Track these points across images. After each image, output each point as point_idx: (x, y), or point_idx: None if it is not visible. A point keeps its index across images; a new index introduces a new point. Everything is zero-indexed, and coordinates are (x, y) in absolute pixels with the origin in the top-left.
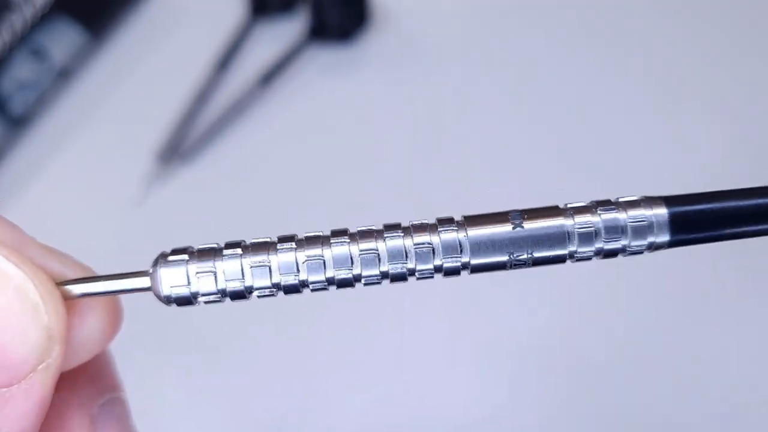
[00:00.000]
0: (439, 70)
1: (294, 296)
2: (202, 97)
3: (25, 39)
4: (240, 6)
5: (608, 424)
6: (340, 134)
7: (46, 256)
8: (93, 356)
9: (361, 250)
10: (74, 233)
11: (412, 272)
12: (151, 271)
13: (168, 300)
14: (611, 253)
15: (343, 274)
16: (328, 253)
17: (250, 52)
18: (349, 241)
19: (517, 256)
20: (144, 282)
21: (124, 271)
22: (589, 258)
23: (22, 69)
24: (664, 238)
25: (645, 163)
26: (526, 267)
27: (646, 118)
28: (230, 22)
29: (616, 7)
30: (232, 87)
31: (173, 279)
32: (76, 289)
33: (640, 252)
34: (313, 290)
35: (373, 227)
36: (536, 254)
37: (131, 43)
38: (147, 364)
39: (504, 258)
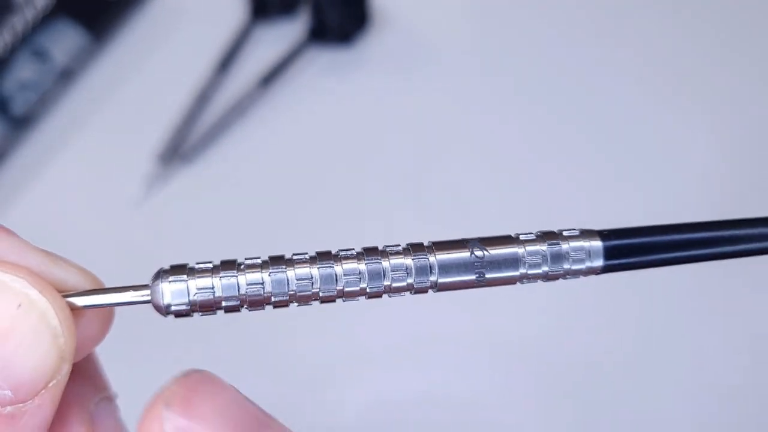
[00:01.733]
0: (439, 72)
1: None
2: (203, 98)
3: (26, 40)
4: (240, 7)
5: (606, 424)
6: (340, 135)
7: (48, 264)
8: (86, 355)
9: (344, 270)
10: (75, 233)
11: (388, 289)
12: (151, 284)
13: (167, 312)
14: (554, 277)
15: (327, 291)
16: (315, 272)
17: (251, 54)
18: (333, 263)
19: (478, 277)
20: (144, 295)
21: (125, 280)
22: (536, 280)
23: (24, 70)
24: (599, 264)
25: (645, 164)
26: (481, 287)
27: (648, 117)
28: (231, 24)
29: (616, 7)
30: (232, 88)
31: (174, 293)
32: (80, 301)
33: (577, 276)
34: (299, 305)
35: (354, 250)
36: (491, 276)
37: (132, 44)
38: (144, 363)
39: (471, 277)
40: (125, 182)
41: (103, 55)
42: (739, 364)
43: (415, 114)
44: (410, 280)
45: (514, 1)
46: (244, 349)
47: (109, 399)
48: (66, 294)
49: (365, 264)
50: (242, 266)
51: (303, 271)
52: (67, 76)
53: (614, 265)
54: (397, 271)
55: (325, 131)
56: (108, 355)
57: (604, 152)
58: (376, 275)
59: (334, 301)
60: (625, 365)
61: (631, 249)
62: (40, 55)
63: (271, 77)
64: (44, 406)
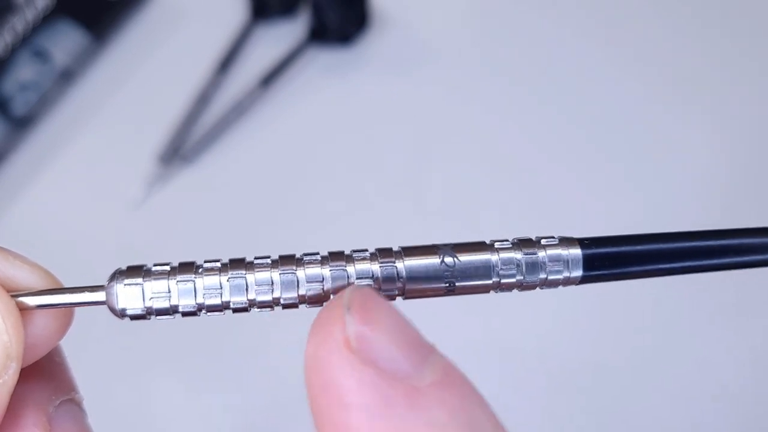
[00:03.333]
0: (438, 72)
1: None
2: (203, 98)
3: (27, 41)
4: (241, 8)
5: (602, 425)
6: (340, 135)
7: (13, 264)
8: (44, 354)
9: (307, 276)
10: (75, 234)
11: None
12: (107, 286)
13: (122, 314)
14: (530, 286)
15: (288, 299)
16: (276, 276)
17: (251, 54)
18: (295, 269)
19: (447, 284)
20: (100, 296)
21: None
22: (510, 289)
23: (25, 70)
24: (578, 273)
25: (645, 165)
26: (454, 294)
27: (648, 117)
28: (231, 25)
29: (616, 6)
30: (232, 88)
31: (128, 296)
32: (32, 301)
33: (555, 285)
34: (260, 311)
35: (320, 254)
36: (462, 284)
37: (133, 45)
38: (140, 365)
39: (441, 285)
40: (125, 182)
41: (103, 55)
42: (743, 368)
43: (415, 114)
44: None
45: (513, 2)
46: (246, 350)
47: (72, 401)
48: (16, 294)
49: (329, 270)
50: (200, 269)
51: (263, 276)
52: (67, 76)
53: (594, 275)
54: (363, 278)
55: (324, 131)
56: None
57: (604, 153)
58: (340, 280)
59: (296, 307)
60: (634, 369)
61: (613, 258)
62: (41, 56)
63: (271, 77)
64: None
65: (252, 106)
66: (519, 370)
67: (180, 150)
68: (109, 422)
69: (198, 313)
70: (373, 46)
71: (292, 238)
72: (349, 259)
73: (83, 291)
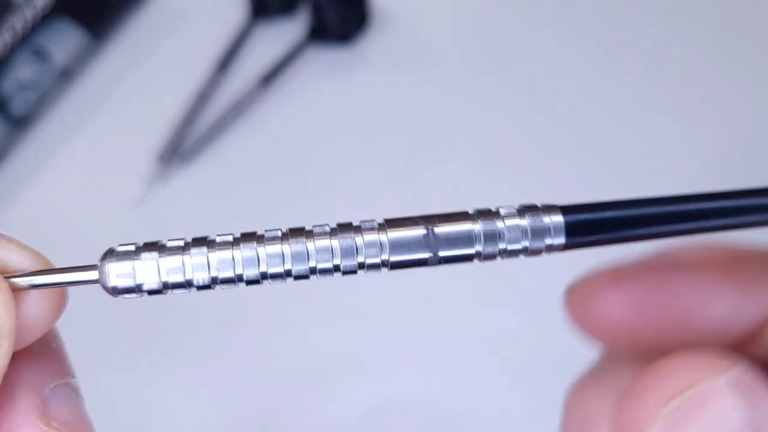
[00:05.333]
0: (439, 72)
1: (283, 289)
2: (203, 97)
3: (26, 40)
4: (240, 7)
5: None
6: (340, 135)
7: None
8: (39, 337)
9: (292, 251)
10: (74, 233)
11: (337, 268)
12: (99, 264)
13: (114, 291)
14: (513, 254)
15: (274, 269)
16: (262, 251)
17: (251, 53)
18: (281, 237)
19: (429, 255)
20: (92, 275)
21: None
22: (493, 257)
23: (23, 69)
24: (560, 241)
25: (644, 161)
26: (435, 265)
27: (646, 116)
28: (231, 24)
29: (616, 8)
30: (232, 88)
31: (119, 271)
32: (24, 281)
33: (538, 253)
34: (247, 284)
35: (305, 227)
36: (444, 254)
37: (132, 44)
38: (136, 357)
39: (424, 255)
40: (124, 182)
41: (102, 54)
42: None
43: (415, 114)
44: (360, 259)
45: (514, 2)
46: (244, 350)
47: (68, 386)
48: (8, 275)
49: (338, 241)
50: (189, 243)
51: (261, 250)
52: (66, 75)
53: (577, 242)
54: (371, 246)
55: (324, 131)
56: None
57: (607, 154)
58: (349, 252)
59: (284, 279)
60: None
61: (595, 224)
62: (40, 55)
63: (270, 77)
64: None
65: (251, 105)
66: (521, 370)
67: (179, 149)
68: (103, 413)
69: (188, 288)
70: (373, 45)
71: None
72: (357, 229)
73: (75, 270)
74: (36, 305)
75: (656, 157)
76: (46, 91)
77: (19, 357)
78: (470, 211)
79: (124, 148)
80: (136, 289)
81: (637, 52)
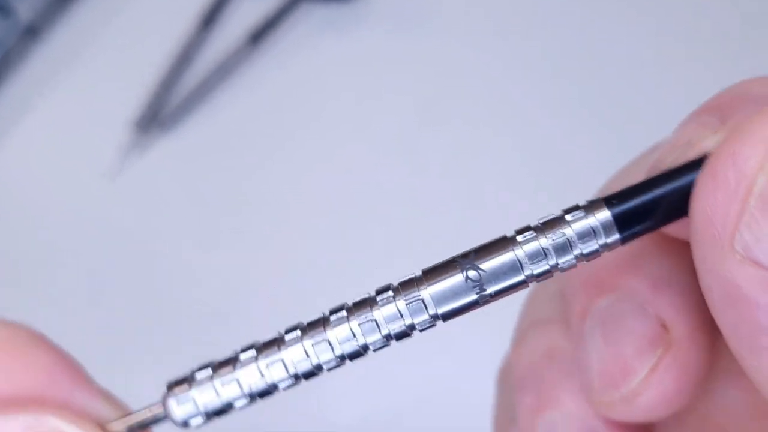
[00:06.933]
0: (444, 29)
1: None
2: (185, 57)
3: None
4: None
5: None
6: (337, 98)
7: (95, 397)
8: None
9: (338, 339)
10: (45, 208)
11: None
12: (162, 402)
13: (185, 425)
14: (568, 266)
15: (329, 363)
16: (310, 349)
17: (238, 8)
18: (324, 330)
19: (482, 293)
20: (160, 414)
21: (101, 258)
22: (550, 274)
23: None
24: (615, 237)
25: (655, 126)
26: (488, 303)
27: (658, 78)
28: None
29: None
30: (217, 46)
31: (183, 409)
32: (119, 426)
33: (596, 256)
34: (305, 378)
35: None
36: (493, 289)
37: None
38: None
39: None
40: (98, 152)
41: (72, 9)
42: None
43: (418, 74)
44: (409, 322)
45: None
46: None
47: None
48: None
49: (358, 323)
50: (238, 363)
51: (298, 352)
52: (32, 32)
53: (633, 233)
54: (392, 322)
55: (319, 93)
56: None
57: (619, 112)
58: (372, 331)
59: (344, 364)
60: None
61: (647, 209)
62: (2, 10)
63: (260, 34)
64: None
65: (239, 66)
66: None
67: (158, 115)
68: None
69: (251, 402)
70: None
71: (282, 211)
72: (372, 302)
73: (145, 411)
74: None
75: (674, 116)
76: (10, 49)
77: None
78: (508, 235)
79: (97, 114)
80: (204, 417)
81: (659, 17)
